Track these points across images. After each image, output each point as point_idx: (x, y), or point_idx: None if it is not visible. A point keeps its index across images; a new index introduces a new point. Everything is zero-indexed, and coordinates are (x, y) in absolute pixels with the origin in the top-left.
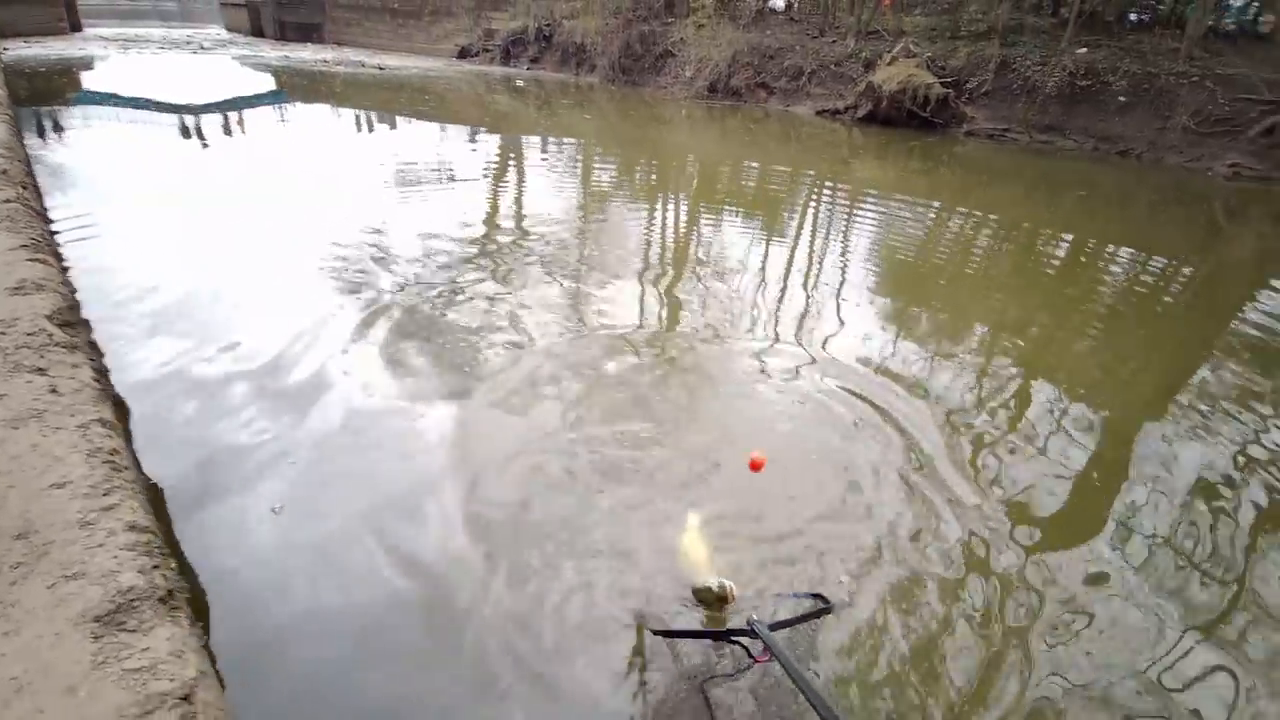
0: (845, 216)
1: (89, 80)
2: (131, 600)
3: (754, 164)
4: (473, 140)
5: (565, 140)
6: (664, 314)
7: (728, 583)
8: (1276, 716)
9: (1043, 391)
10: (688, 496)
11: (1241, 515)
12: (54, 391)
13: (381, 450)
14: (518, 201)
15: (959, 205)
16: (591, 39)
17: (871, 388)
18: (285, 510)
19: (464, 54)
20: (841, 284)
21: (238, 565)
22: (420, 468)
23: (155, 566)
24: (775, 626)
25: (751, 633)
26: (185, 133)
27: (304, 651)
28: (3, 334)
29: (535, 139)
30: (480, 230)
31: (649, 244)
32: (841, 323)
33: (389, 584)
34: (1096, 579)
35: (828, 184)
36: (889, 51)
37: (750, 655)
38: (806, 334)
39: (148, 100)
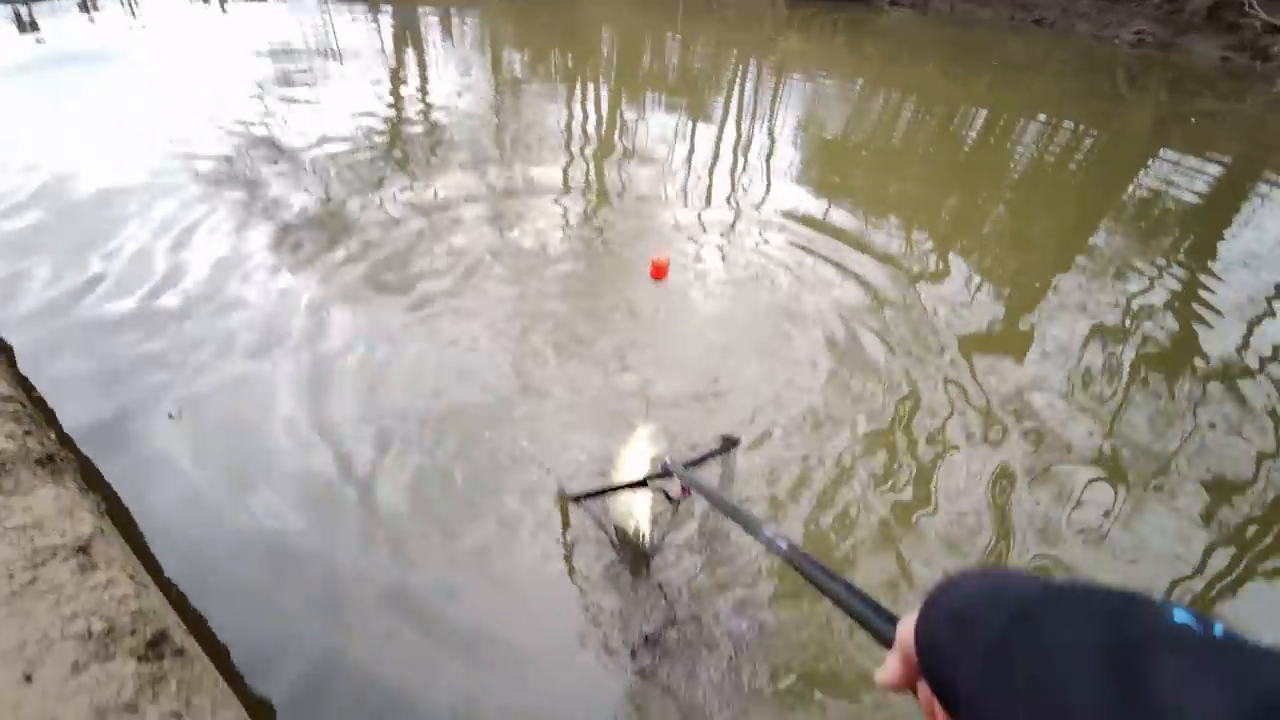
0: (771, 96)
1: None
2: (2, 464)
3: (675, 38)
4: (360, 17)
5: (467, 13)
6: (592, 197)
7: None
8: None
9: (962, 255)
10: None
11: (1126, 354)
12: None
13: (285, 348)
14: (421, 87)
15: (883, 80)
16: None
17: (802, 255)
18: (184, 415)
19: None
20: (769, 160)
21: (147, 476)
22: (328, 362)
23: (27, 432)
24: (689, 465)
25: (667, 473)
26: (20, 25)
27: (216, 548)
28: None
29: (433, 15)
30: (381, 118)
31: (570, 129)
32: (771, 196)
33: (311, 475)
34: (1016, 402)
35: (753, 62)
36: None
37: (669, 498)
38: (735, 207)
39: None
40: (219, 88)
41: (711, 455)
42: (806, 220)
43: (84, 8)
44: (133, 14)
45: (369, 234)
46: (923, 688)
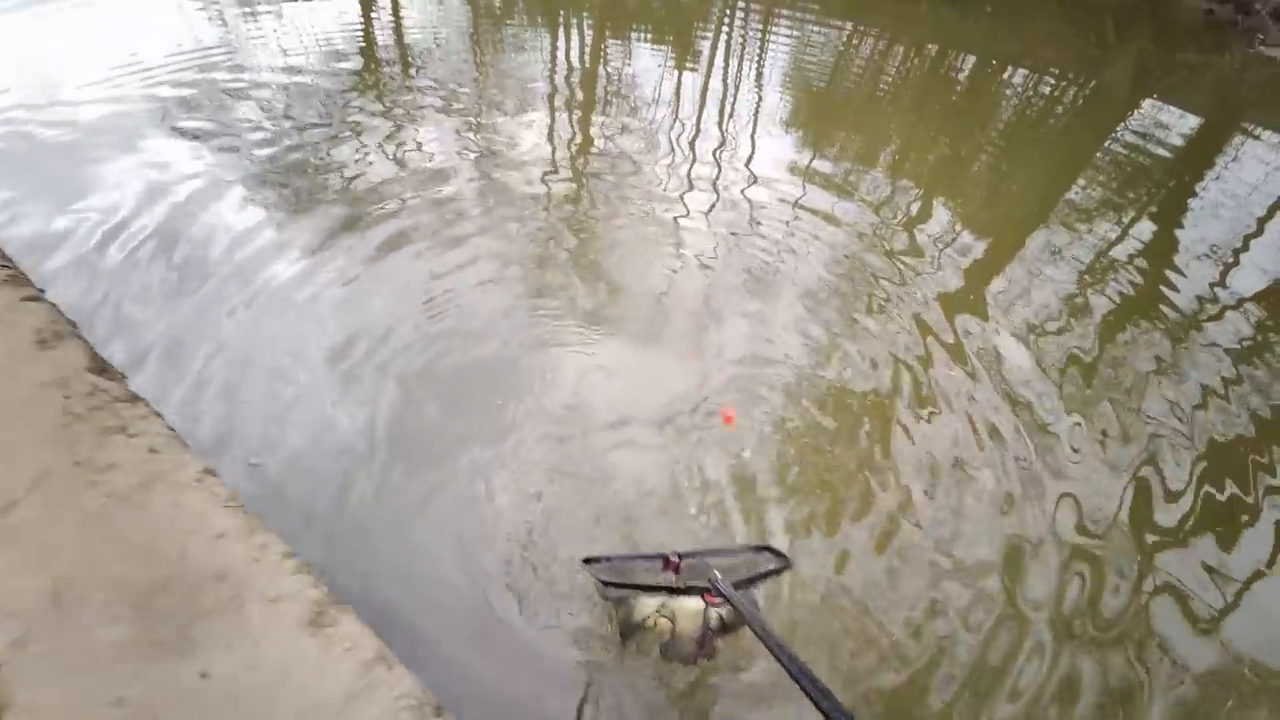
0: (759, 39)
1: None
2: (320, 608)
3: None
4: None
5: None
6: (575, 145)
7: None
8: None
9: (943, 207)
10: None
11: (1096, 302)
12: (153, 451)
13: (286, 315)
14: (395, 21)
15: (872, 21)
16: None
17: (785, 207)
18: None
19: None
20: (756, 108)
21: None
22: (312, 319)
23: (315, 582)
24: (738, 585)
25: (714, 590)
26: None
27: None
28: (68, 398)
29: None
30: (354, 58)
31: (553, 70)
32: (755, 145)
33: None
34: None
35: (741, 4)
36: None
37: (703, 598)
38: (723, 159)
39: None
40: (179, 13)
41: (761, 578)
42: (791, 170)
43: None
44: None
45: (333, 177)
46: None
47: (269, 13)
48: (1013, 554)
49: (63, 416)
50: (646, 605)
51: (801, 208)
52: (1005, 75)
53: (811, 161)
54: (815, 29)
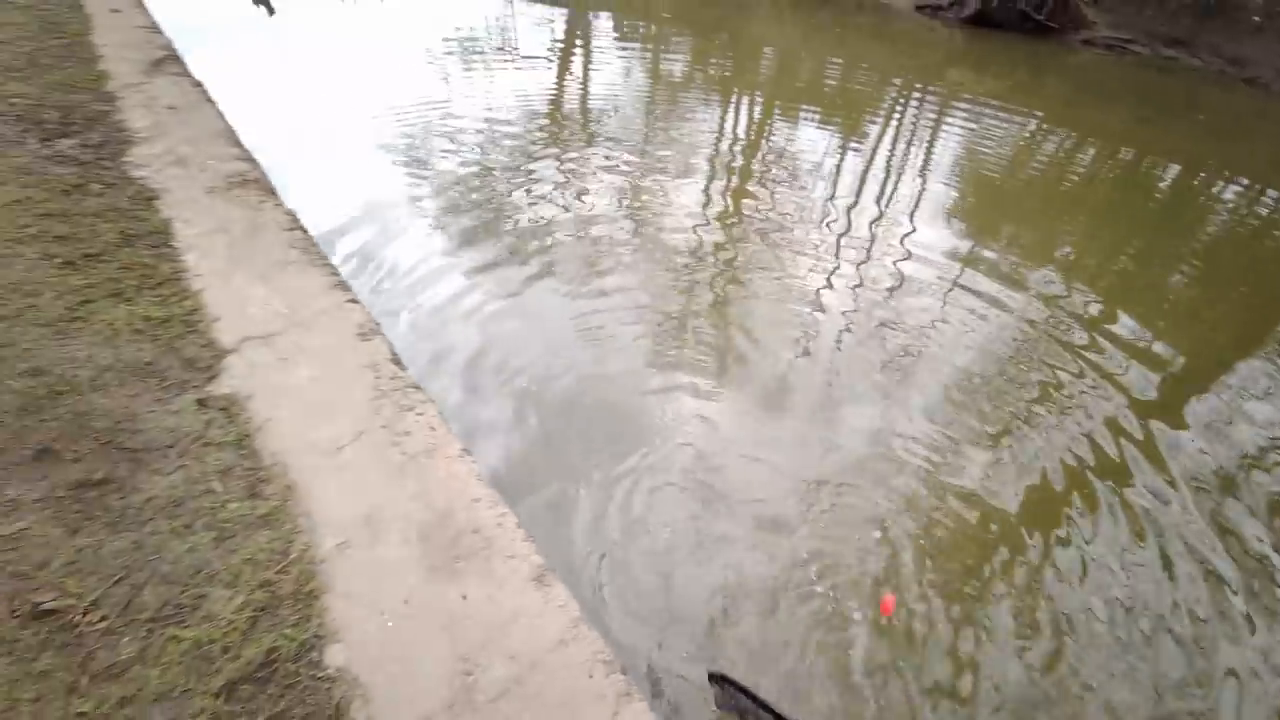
0: (931, 126)
1: None
2: (542, 572)
3: (837, 62)
4: (539, 16)
5: (637, 23)
6: (732, 211)
7: None
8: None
9: (1124, 322)
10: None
11: None
12: (432, 428)
13: (451, 327)
14: (584, 86)
15: (1063, 121)
16: None
17: (947, 293)
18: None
19: None
20: (920, 194)
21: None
22: (481, 343)
23: (537, 550)
24: None
25: None
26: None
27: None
28: (378, 378)
29: (605, 19)
30: (546, 112)
31: (719, 140)
32: (915, 231)
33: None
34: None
35: (916, 91)
36: None
37: None
38: (876, 242)
39: None
40: (410, 67)
41: None
42: (953, 253)
43: None
44: None
45: (508, 210)
46: None
47: (482, 72)
48: None
49: (374, 391)
50: None
51: (960, 290)
52: (1213, 190)
53: (975, 249)
54: (998, 119)
